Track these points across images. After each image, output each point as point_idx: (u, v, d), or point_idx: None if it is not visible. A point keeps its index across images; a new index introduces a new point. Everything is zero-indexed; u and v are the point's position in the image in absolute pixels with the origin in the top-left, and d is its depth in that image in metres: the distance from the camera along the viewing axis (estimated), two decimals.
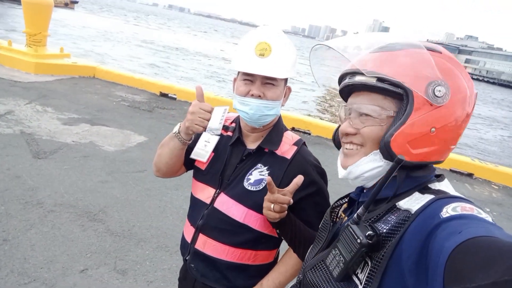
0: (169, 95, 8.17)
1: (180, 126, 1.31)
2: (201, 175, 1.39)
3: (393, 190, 0.79)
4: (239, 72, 1.28)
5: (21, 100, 6.09)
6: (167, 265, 2.89)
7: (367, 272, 0.73)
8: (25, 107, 5.79)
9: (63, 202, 3.44)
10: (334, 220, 1.00)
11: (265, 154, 1.31)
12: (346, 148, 0.89)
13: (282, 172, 1.26)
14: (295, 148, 1.31)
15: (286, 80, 1.31)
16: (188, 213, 1.45)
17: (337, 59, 1.00)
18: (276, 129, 1.34)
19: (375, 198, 0.77)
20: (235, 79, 1.32)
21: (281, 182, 1.24)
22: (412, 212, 0.73)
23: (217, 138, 1.35)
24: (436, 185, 0.80)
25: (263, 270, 1.35)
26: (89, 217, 3.29)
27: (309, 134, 7.27)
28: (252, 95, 1.22)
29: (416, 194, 0.78)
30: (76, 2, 47.30)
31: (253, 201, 1.25)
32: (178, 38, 32.72)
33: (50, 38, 9.04)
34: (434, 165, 0.87)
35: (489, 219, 0.65)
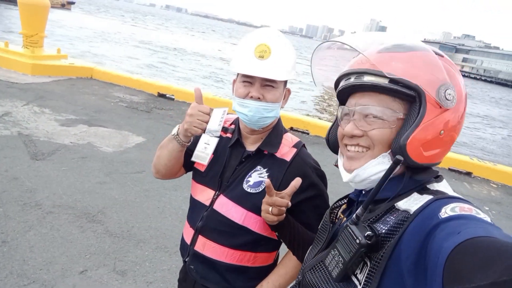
0: (167, 95, 8.16)
1: (178, 128, 1.31)
2: (200, 177, 1.39)
3: (394, 190, 0.79)
4: (238, 74, 1.27)
5: (18, 101, 6.07)
6: (166, 265, 2.89)
7: (366, 272, 0.74)
8: (22, 109, 5.77)
9: (61, 204, 3.43)
10: (334, 221, 1.00)
11: (264, 156, 1.31)
12: (351, 151, 0.86)
13: (281, 174, 1.26)
14: (295, 150, 1.31)
15: (285, 82, 1.31)
16: (187, 215, 1.45)
17: (335, 59, 1.00)
18: (276, 131, 1.34)
19: (374, 199, 0.77)
20: (234, 81, 1.32)
21: (281, 184, 1.24)
22: (411, 213, 0.73)
23: (217, 140, 1.35)
24: (434, 186, 0.81)
25: (263, 272, 1.35)
26: (88, 218, 3.28)
27: (308, 134, 7.28)
28: (252, 97, 1.22)
29: (415, 195, 0.78)
30: (73, 3, 47.19)
31: (252, 203, 1.25)
32: (176, 38, 32.69)
33: (47, 39, 9.01)
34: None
35: (488, 219, 0.65)
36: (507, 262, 0.49)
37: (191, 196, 1.44)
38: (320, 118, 9.79)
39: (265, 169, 1.28)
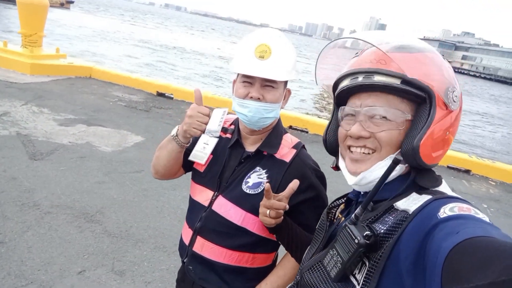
0: (166, 94, 8.16)
1: (178, 129, 1.30)
2: (199, 178, 1.38)
3: (395, 191, 0.79)
4: (238, 74, 1.27)
5: (17, 101, 6.06)
6: (165, 265, 2.88)
7: (364, 272, 0.73)
8: (21, 108, 5.76)
9: (60, 204, 3.42)
10: (332, 220, 0.99)
11: (264, 157, 1.30)
12: (357, 152, 0.84)
13: (280, 175, 1.25)
14: (294, 151, 1.30)
15: (286, 82, 1.30)
16: (186, 215, 1.44)
17: (336, 57, 0.98)
18: (275, 132, 1.33)
19: (374, 199, 0.76)
20: (234, 81, 1.31)
21: (280, 185, 1.24)
22: (410, 213, 0.72)
23: (216, 140, 1.34)
24: (433, 187, 0.80)
25: (261, 273, 1.35)
26: (86, 218, 3.28)
27: (307, 132, 7.27)
28: (251, 97, 1.21)
29: (414, 195, 0.78)
30: (72, 2, 47.13)
31: (251, 204, 1.24)
32: (175, 37, 32.68)
33: (46, 39, 9.00)
34: None
35: (487, 219, 0.65)
36: (506, 262, 0.49)
37: (190, 196, 1.43)
38: (319, 117, 9.78)
39: (265, 170, 1.28)
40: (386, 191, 0.79)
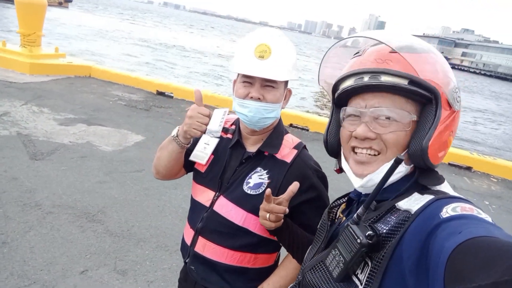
0: (166, 93, 8.15)
1: (178, 130, 1.30)
2: (200, 178, 1.38)
3: (398, 191, 0.80)
4: (238, 74, 1.27)
5: (16, 101, 6.05)
6: (167, 264, 2.89)
7: (367, 272, 0.73)
8: (21, 108, 5.76)
9: (61, 204, 3.43)
10: (333, 219, 0.99)
11: (265, 157, 1.30)
12: (363, 154, 0.83)
13: (281, 176, 1.25)
14: (295, 151, 1.29)
15: (286, 82, 1.30)
16: (188, 216, 1.45)
17: (337, 56, 0.98)
18: (276, 132, 1.33)
19: (375, 198, 0.76)
20: (235, 81, 1.31)
21: (281, 186, 1.23)
22: (412, 213, 0.72)
23: (217, 140, 1.34)
24: (435, 186, 0.80)
25: (263, 273, 1.35)
26: (88, 218, 3.28)
27: (307, 130, 7.27)
28: (252, 97, 1.21)
29: (416, 195, 0.78)
30: (70, 1, 47.03)
31: (252, 204, 1.24)
32: (174, 36, 32.61)
33: (44, 38, 8.99)
34: None
35: (489, 219, 0.65)
36: (509, 262, 0.49)
37: (191, 197, 1.44)
38: (319, 115, 9.78)
39: (266, 171, 1.28)
40: (388, 191, 0.79)
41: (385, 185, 0.78)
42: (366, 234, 0.71)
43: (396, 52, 0.79)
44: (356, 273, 0.75)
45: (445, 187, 0.80)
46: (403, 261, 0.68)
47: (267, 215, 1.09)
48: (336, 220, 0.99)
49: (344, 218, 0.95)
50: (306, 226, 1.23)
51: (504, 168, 6.61)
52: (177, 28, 48.47)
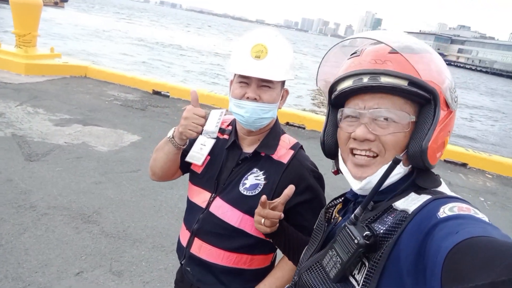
0: (162, 93, 8.13)
1: (174, 131, 1.29)
2: (197, 179, 1.37)
3: (394, 191, 0.79)
4: (235, 75, 1.26)
5: (11, 102, 6.02)
6: (163, 265, 2.87)
7: (364, 273, 0.73)
8: (16, 109, 5.73)
9: (56, 205, 3.41)
10: (329, 219, 0.99)
11: (261, 158, 1.29)
12: (362, 156, 0.82)
13: (278, 177, 1.24)
14: (292, 152, 1.29)
15: (283, 82, 1.29)
16: (184, 217, 1.44)
17: (336, 56, 0.97)
18: (273, 133, 1.32)
19: (372, 199, 0.76)
20: (231, 82, 1.30)
21: (277, 187, 1.23)
22: (409, 213, 0.72)
23: (213, 141, 1.34)
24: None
25: (259, 274, 1.34)
26: (83, 219, 3.26)
27: (304, 128, 7.27)
28: (248, 98, 1.20)
29: (412, 195, 0.77)
30: (66, 1, 46.82)
31: (249, 206, 1.23)
32: (171, 35, 32.53)
33: (40, 38, 8.93)
34: None
35: (486, 219, 0.64)
36: (506, 262, 0.48)
37: (187, 198, 1.43)
38: (316, 113, 9.78)
39: (262, 172, 1.27)
40: (385, 192, 0.79)
41: (383, 187, 0.78)
42: (364, 235, 0.71)
43: (394, 53, 0.79)
44: (353, 274, 0.75)
45: (441, 187, 0.80)
46: (400, 261, 0.68)
47: (262, 220, 1.08)
48: (332, 220, 0.98)
49: (340, 218, 0.94)
50: (302, 227, 1.22)
51: (499, 164, 6.64)
52: (174, 27, 48.35)
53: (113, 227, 3.22)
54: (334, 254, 0.76)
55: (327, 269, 0.78)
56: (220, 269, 1.30)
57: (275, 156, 1.27)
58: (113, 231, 3.16)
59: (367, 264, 0.73)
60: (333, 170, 0.98)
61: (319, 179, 1.30)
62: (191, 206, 1.38)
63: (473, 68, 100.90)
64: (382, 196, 0.79)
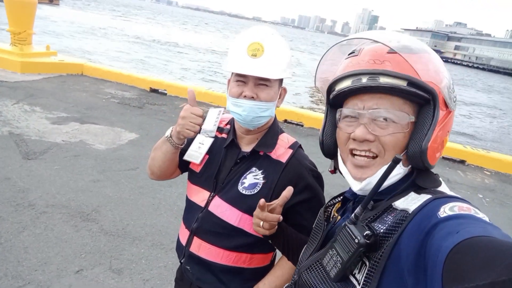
0: (159, 90, 8.10)
1: (172, 130, 1.29)
2: (195, 178, 1.37)
3: (394, 191, 0.80)
4: (232, 73, 1.26)
5: (8, 100, 5.98)
6: (163, 262, 2.88)
7: (365, 272, 0.73)
8: (12, 108, 5.70)
9: (55, 203, 3.40)
10: (328, 218, 0.99)
11: (260, 157, 1.29)
12: (361, 156, 0.82)
13: (277, 176, 1.24)
14: (291, 151, 1.28)
15: (281, 81, 1.29)
16: (183, 216, 1.44)
17: (334, 55, 0.96)
18: (271, 132, 1.32)
19: (373, 198, 0.76)
20: (229, 80, 1.30)
21: (276, 186, 1.23)
22: (410, 212, 0.72)
23: (211, 140, 1.33)
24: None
25: (259, 273, 1.34)
26: (82, 217, 3.26)
27: (302, 126, 7.27)
28: (245, 96, 1.20)
29: (412, 194, 0.77)
30: None
31: (248, 205, 1.23)
32: (168, 32, 32.39)
33: (35, 36, 8.87)
34: None
35: (486, 219, 0.64)
36: (506, 262, 0.48)
37: (186, 197, 1.43)
38: (314, 110, 9.78)
39: (261, 171, 1.26)
40: (385, 192, 0.79)
41: (383, 188, 0.78)
42: (364, 234, 0.71)
43: (392, 53, 0.78)
44: (354, 273, 0.75)
45: (442, 187, 0.80)
46: (401, 260, 0.68)
47: (261, 223, 1.08)
48: (331, 219, 0.98)
49: (339, 217, 0.94)
50: (301, 226, 1.22)
51: (497, 161, 6.66)
52: (170, 24, 48.13)
53: (112, 225, 3.22)
54: (335, 253, 0.76)
55: (327, 268, 0.78)
56: (219, 268, 1.30)
57: (273, 155, 1.27)
58: (112, 229, 3.16)
59: (367, 263, 0.73)
60: (330, 169, 0.98)
61: (318, 178, 1.30)
62: (190, 205, 1.38)
63: (470, 65, 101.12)
64: (382, 195, 0.80)
